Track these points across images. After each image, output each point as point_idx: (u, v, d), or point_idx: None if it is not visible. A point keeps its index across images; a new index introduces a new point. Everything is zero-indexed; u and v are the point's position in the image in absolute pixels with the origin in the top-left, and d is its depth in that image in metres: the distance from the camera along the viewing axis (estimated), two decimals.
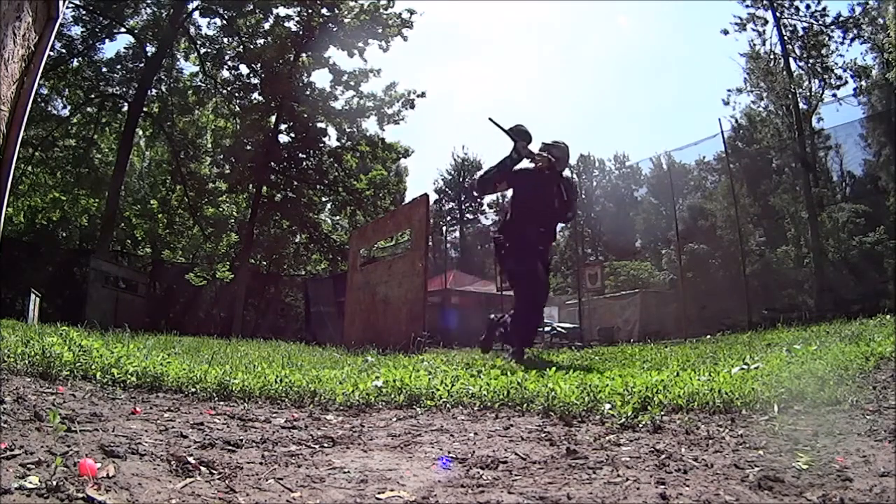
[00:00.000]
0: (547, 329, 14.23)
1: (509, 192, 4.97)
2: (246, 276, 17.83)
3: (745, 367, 2.69)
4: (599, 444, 1.58)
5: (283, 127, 18.27)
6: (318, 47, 17.59)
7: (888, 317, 5.33)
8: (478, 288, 20.85)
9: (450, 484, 1.21)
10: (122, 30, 17.27)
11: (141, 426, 1.67)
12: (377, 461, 1.43)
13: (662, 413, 1.94)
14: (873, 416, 1.76)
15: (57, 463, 1.08)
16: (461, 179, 41.08)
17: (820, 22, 17.09)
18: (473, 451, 1.53)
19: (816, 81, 17.45)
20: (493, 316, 5.56)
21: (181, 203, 18.85)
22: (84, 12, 16.40)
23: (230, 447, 1.52)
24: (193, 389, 2.47)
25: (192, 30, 18.13)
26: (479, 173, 4.79)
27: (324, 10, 17.20)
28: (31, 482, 1.00)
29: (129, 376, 2.48)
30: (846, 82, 17.21)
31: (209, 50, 18.09)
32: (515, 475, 1.29)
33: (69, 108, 17.38)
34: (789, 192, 16.50)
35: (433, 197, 30.55)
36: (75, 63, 16.75)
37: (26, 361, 2.43)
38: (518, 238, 4.62)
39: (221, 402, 2.34)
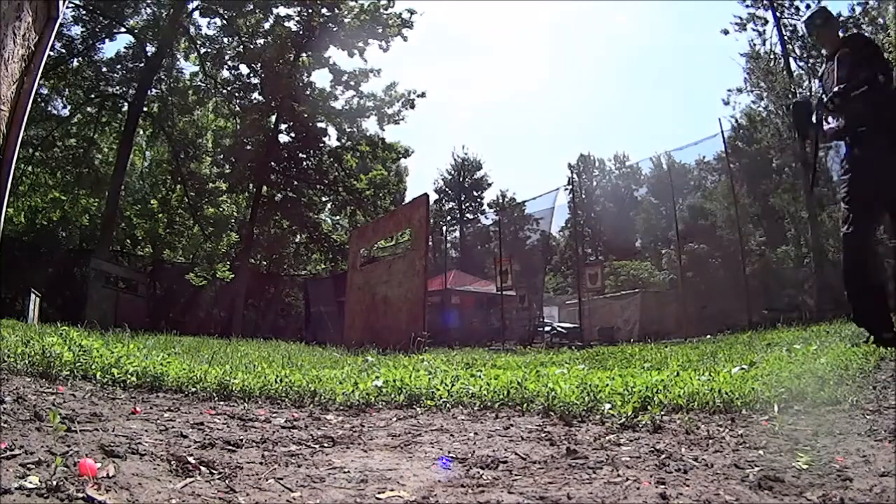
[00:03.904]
0: (547, 329, 14.25)
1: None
2: (246, 276, 17.83)
3: (744, 368, 2.70)
4: (599, 444, 1.58)
5: (283, 127, 18.29)
6: (318, 47, 17.61)
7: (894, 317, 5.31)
8: (478, 288, 20.86)
9: (450, 484, 1.21)
10: (122, 30, 17.28)
11: (141, 426, 1.67)
12: (377, 461, 1.43)
13: (662, 413, 1.94)
14: (873, 416, 1.76)
15: (57, 463, 1.08)
16: (461, 179, 41.10)
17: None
18: (473, 451, 1.53)
19: (816, 81, 17.43)
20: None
21: (181, 203, 18.86)
22: (84, 12, 16.40)
23: (230, 447, 1.52)
24: (193, 389, 2.47)
25: (192, 30, 18.14)
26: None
27: (324, 10, 17.21)
28: (31, 482, 1.00)
29: (129, 376, 2.49)
30: None
31: (209, 50, 18.09)
32: (515, 475, 1.29)
33: (69, 108, 17.39)
34: (789, 192, 16.48)
35: (433, 197, 30.61)
36: (75, 63, 16.75)
37: (26, 361, 2.44)
38: None
39: (221, 402, 2.34)
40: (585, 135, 62.18)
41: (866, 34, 3.53)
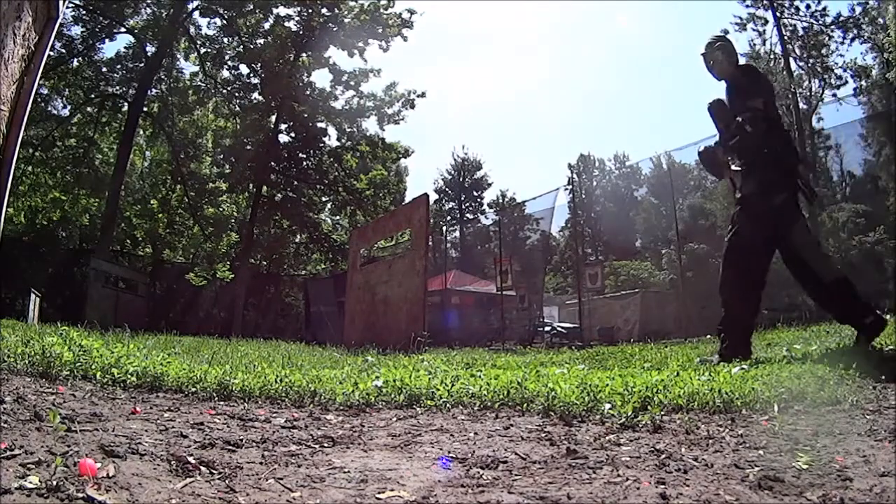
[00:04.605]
0: (547, 329, 14.25)
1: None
2: (246, 276, 17.83)
3: (744, 368, 2.70)
4: (599, 444, 1.58)
5: (283, 127, 18.29)
6: (318, 47, 17.61)
7: (888, 317, 5.32)
8: (478, 288, 20.87)
9: (450, 484, 1.21)
10: (122, 30, 17.29)
11: (141, 426, 1.67)
12: (377, 461, 1.43)
13: (662, 413, 1.94)
14: (873, 416, 1.76)
15: (57, 463, 1.08)
16: (461, 179, 41.11)
17: (820, 22, 17.10)
18: (473, 451, 1.53)
19: (816, 81, 17.49)
20: None
21: (181, 203, 18.86)
22: (84, 12, 16.41)
23: (230, 447, 1.52)
24: (193, 389, 2.47)
25: (192, 30, 18.15)
26: None
27: (324, 10, 17.21)
28: (31, 482, 1.00)
29: (129, 376, 2.48)
30: (846, 82, 17.25)
31: (209, 50, 18.09)
32: (515, 475, 1.28)
33: (69, 108, 17.40)
34: None
35: (433, 197, 30.57)
36: (75, 63, 16.76)
37: (26, 361, 2.43)
38: None
39: (221, 402, 2.34)
40: (585, 135, 62.27)
41: (750, 66, 3.72)
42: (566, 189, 25.06)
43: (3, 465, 1.08)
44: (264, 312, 19.65)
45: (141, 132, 19.15)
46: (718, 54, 3.63)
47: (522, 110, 64.81)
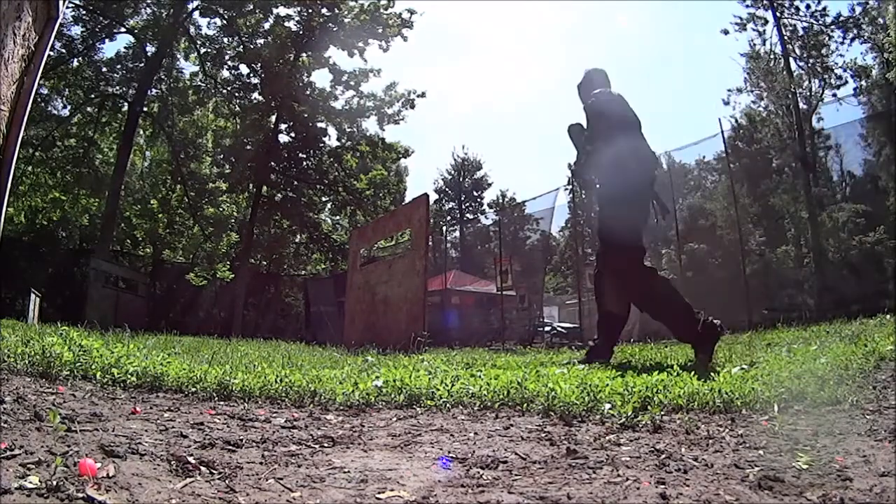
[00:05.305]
0: (547, 329, 14.25)
1: None
2: (246, 275, 17.83)
3: (744, 368, 2.69)
4: (599, 444, 1.58)
5: (283, 127, 18.29)
6: (318, 47, 17.60)
7: (888, 317, 5.32)
8: (478, 288, 20.86)
9: (450, 484, 1.21)
10: (122, 30, 17.30)
11: (141, 426, 1.67)
12: (377, 461, 1.43)
13: (662, 413, 1.94)
14: (873, 416, 1.76)
15: (57, 463, 1.08)
16: (461, 179, 41.08)
17: (820, 22, 17.10)
18: (473, 451, 1.53)
19: (816, 81, 17.48)
20: None
21: (181, 203, 18.86)
22: (84, 12, 16.42)
23: (230, 447, 1.52)
24: (193, 389, 2.47)
25: (192, 30, 18.15)
26: None
27: (324, 10, 17.21)
28: (31, 482, 1.00)
29: (129, 376, 2.48)
30: (846, 82, 17.24)
31: (209, 50, 18.10)
32: (515, 475, 1.28)
33: (69, 108, 17.40)
34: (789, 192, 16.47)
35: (433, 197, 30.54)
36: (75, 63, 16.77)
37: (26, 361, 2.43)
38: None
39: (221, 402, 2.34)
40: None
41: (599, 97, 4.10)
42: (566, 189, 24.98)
43: (3, 465, 1.08)
44: (264, 312, 19.64)
45: (141, 132, 19.15)
46: (580, 89, 4.34)
47: (522, 110, 64.81)
